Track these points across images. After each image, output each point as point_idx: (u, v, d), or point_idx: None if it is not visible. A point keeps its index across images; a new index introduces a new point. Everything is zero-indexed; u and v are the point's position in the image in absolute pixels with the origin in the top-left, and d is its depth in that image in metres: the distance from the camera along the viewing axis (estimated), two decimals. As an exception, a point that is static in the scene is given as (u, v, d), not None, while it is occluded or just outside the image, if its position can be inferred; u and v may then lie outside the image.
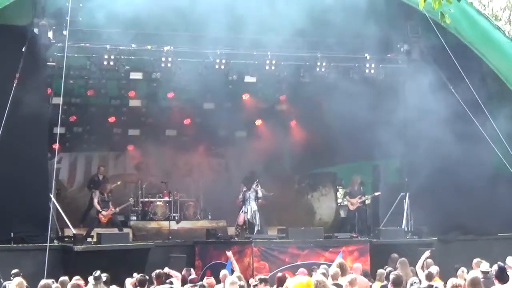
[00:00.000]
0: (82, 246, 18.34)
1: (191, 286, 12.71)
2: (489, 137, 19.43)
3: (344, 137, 21.61)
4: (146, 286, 13.70)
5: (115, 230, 20.45)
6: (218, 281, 13.87)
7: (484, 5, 36.63)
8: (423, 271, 14.47)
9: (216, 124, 24.50)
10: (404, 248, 18.65)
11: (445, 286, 10.56)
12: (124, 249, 18.54)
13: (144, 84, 22.64)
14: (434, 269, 14.48)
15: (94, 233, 20.05)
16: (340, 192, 26.58)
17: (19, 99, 17.64)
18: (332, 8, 18.46)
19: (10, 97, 17.44)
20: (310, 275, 13.00)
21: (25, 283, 11.98)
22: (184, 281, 14.29)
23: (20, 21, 18.73)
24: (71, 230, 19.56)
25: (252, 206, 21.56)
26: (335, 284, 11.97)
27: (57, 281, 12.99)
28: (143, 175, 24.75)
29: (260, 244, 18.78)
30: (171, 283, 14.10)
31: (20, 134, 18.03)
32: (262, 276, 12.69)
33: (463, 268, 14.51)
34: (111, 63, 19.74)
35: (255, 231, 21.14)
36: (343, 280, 12.26)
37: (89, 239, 19.42)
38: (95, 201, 20.73)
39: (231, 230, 21.96)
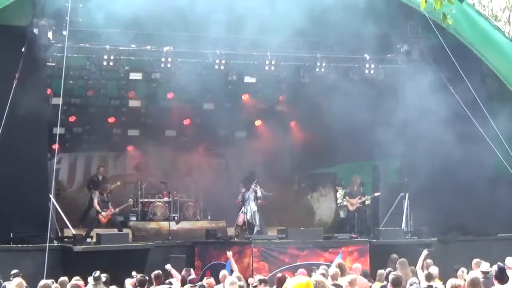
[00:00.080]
0: (82, 246, 18.34)
1: (191, 286, 12.70)
2: (489, 138, 19.42)
3: (344, 137, 21.60)
4: (146, 286, 13.70)
5: (115, 231, 20.44)
6: (218, 282, 13.86)
7: (484, 6, 36.65)
8: (423, 271, 14.48)
9: (216, 125, 24.48)
10: (404, 248, 18.63)
11: (445, 286, 10.54)
12: (124, 250, 18.54)
13: (143, 84, 22.63)
14: (434, 270, 14.47)
15: (93, 233, 20.06)
16: (340, 193, 26.59)
17: (19, 100, 17.64)
18: (332, 8, 18.44)
19: (10, 98, 17.44)
20: (310, 275, 13.00)
21: (24, 284, 11.98)
22: (183, 282, 14.28)
23: (20, 22, 18.71)
24: (71, 231, 19.59)
25: (251, 207, 21.54)
26: (334, 285, 11.95)
27: (56, 282, 12.99)
28: (142, 175, 24.72)
29: (260, 245, 18.77)
30: (170, 283, 14.11)
31: (20, 134, 18.02)
32: (262, 277, 12.67)
33: (463, 269, 14.50)
34: (111, 63, 19.74)
35: (255, 232, 21.13)
36: (342, 281, 12.26)
37: (88, 240, 19.41)
38: (95, 201, 20.71)
39: (231, 231, 21.92)
